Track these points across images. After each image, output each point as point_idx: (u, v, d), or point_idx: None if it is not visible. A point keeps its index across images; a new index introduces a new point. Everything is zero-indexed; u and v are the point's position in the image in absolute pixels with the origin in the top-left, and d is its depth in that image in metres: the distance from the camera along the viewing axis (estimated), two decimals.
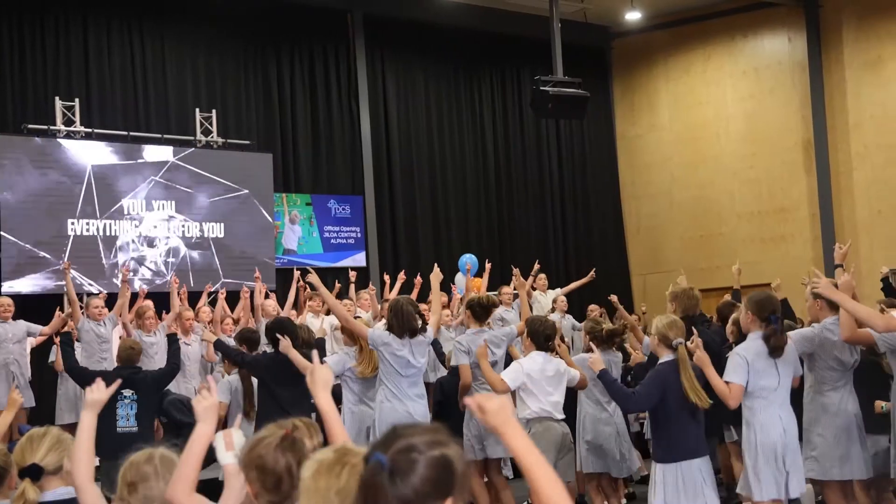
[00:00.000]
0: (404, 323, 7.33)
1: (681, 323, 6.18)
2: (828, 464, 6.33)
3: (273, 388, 7.81)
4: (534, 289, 14.19)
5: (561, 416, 7.17)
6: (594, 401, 7.84)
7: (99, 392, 3.45)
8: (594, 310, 14.23)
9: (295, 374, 7.54)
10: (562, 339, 8.31)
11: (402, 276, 12.47)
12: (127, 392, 8.31)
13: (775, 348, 5.90)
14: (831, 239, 17.55)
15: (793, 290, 6.81)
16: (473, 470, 7.89)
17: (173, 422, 8.79)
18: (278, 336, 7.64)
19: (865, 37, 17.35)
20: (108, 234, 13.86)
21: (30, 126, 13.51)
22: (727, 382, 5.90)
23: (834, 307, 6.39)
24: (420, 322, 7.44)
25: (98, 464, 9.46)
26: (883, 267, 10.17)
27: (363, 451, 2.43)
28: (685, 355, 5.93)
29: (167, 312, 10.86)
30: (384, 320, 8.11)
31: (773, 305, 6.01)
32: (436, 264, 8.38)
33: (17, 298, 11.65)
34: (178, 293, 10.80)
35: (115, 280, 13.17)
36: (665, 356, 6.07)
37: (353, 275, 12.86)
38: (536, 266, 13.81)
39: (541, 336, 7.22)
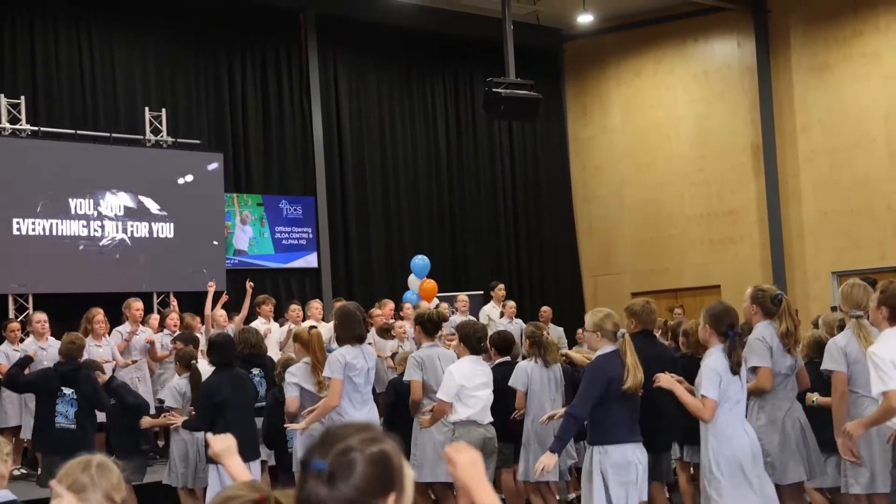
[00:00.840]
0: (353, 329, 7.26)
1: (616, 315, 6.27)
2: (781, 468, 6.37)
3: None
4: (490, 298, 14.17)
5: (487, 420, 7.19)
6: (536, 409, 7.85)
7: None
8: (546, 311, 14.33)
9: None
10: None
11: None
12: (67, 390, 8.22)
13: (735, 364, 5.89)
14: (779, 241, 17.82)
15: (741, 291, 6.87)
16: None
17: (123, 405, 8.65)
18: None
19: (812, 42, 17.59)
20: (54, 233, 13.65)
21: None
22: (702, 397, 5.89)
23: (770, 314, 6.46)
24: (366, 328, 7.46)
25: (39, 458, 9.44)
26: None
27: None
28: (630, 341, 6.08)
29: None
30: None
31: (730, 318, 5.97)
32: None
33: None
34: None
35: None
36: (604, 348, 6.15)
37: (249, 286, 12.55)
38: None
39: (473, 339, 7.25)
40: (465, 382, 7.06)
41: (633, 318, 7.01)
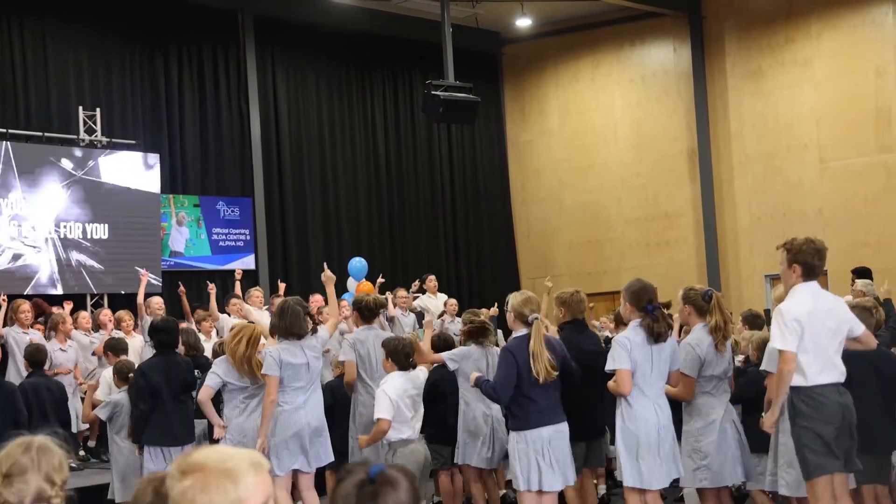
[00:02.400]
0: (291, 324, 7.23)
1: (536, 299, 6.37)
2: (718, 470, 6.43)
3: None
4: (423, 291, 14.23)
5: (417, 433, 7.21)
6: (476, 395, 7.87)
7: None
8: (484, 313, 14.32)
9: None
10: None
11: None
12: None
13: (657, 334, 6.00)
14: (714, 245, 18.08)
15: (676, 294, 6.97)
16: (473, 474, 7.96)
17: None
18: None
19: (747, 48, 17.87)
20: None
21: None
22: (613, 371, 5.99)
23: (702, 312, 6.55)
24: (311, 324, 7.38)
25: None
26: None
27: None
28: (540, 328, 6.16)
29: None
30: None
31: (648, 294, 6.12)
32: (325, 264, 8.31)
33: None
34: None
35: None
36: (519, 331, 6.23)
37: (238, 272, 12.68)
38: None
39: (401, 355, 7.23)
40: (399, 400, 7.02)
41: (563, 307, 7.11)
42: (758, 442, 6.63)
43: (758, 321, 7.86)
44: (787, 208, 17.32)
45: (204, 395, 7.43)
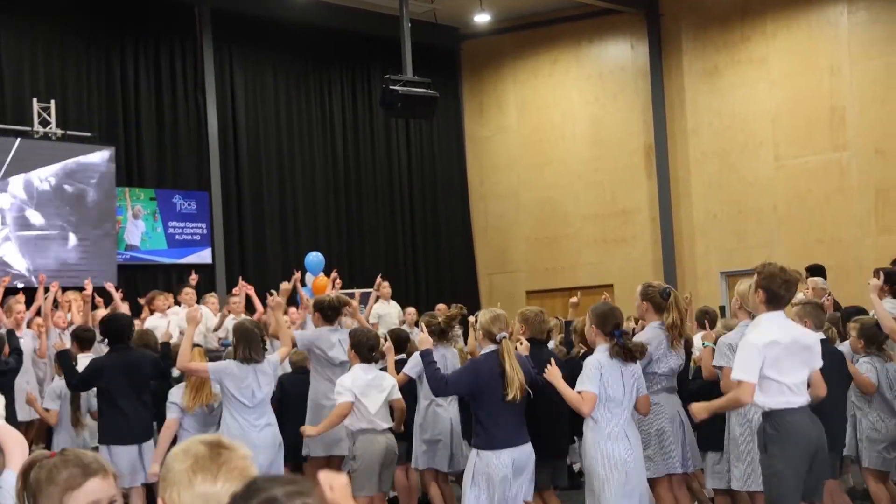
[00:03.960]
0: (249, 350, 7.15)
1: (505, 317, 6.30)
2: (657, 460, 6.49)
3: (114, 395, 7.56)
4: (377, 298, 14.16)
5: (386, 426, 7.16)
6: (425, 398, 7.87)
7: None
8: (441, 309, 14.33)
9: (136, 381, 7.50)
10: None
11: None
12: None
13: (633, 354, 5.94)
14: (670, 241, 18.21)
15: (634, 290, 6.99)
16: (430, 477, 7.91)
17: None
18: None
19: (703, 46, 18.02)
20: None
21: None
22: (580, 392, 5.90)
23: (660, 309, 6.59)
24: (262, 345, 7.34)
25: None
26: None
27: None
28: (510, 347, 6.06)
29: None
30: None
31: (615, 318, 6.03)
32: (272, 291, 8.16)
33: None
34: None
35: None
36: (487, 348, 6.19)
37: (193, 279, 12.51)
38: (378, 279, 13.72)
39: (364, 347, 7.19)
40: (357, 391, 6.98)
41: (524, 325, 7.04)
42: (711, 440, 6.70)
43: (706, 317, 7.85)
44: (742, 205, 17.49)
45: (169, 431, 7.36)
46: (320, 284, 14.15)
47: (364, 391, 7.00)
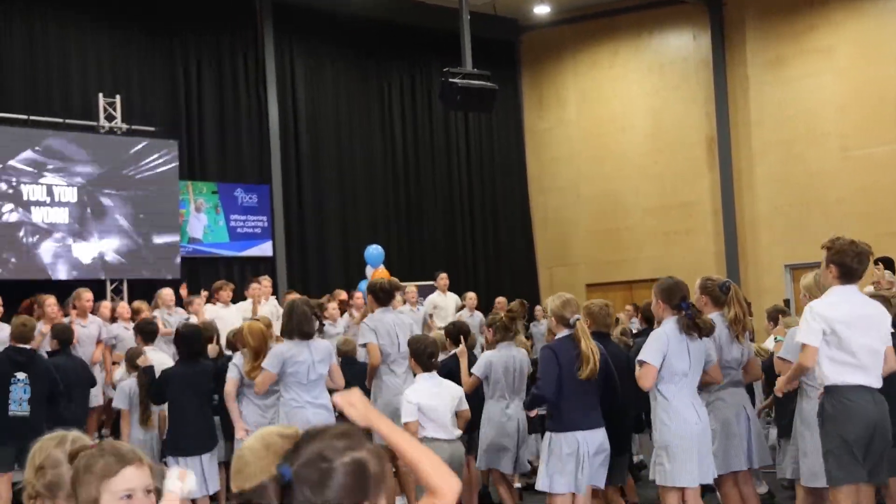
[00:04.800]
0: (299, 324, 7.24)
1: (575, 301, 6.31)
2: (723, 457, 6.39)
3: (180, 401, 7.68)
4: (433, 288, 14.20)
5: (455, 435, 7.12)
6: (496, 399, 7.82)
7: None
8: (501, 302, 14.33)
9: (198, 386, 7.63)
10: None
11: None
12: (20, 375, 8.03)
13: (702, 330, 5.89)
14: (733, 234, 17.99)
15: (695, 283, 6.89)
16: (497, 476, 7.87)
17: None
18: None
19: (767, 36, 17.75)
20: (6, 220, 13.43)
21: None
22: (641, 362, 5.89)
23: (719, 303, 6.48)
24: (317, 323, 7.39)
25: None
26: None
27: None
28: (584, 328, 6.11)
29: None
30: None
31: (681, 291, 6.00)
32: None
33: None
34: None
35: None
36: (561, 333, 6.19)
37: (254, 288, 12.50)
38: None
39: (424, 355, 7.15)
40: (422, 402, 6.95)
41: (589, 319, 6.97)
42: (788, 430, 6.61)
43: (783, 316, 7.73)
44: (807, 197, 17.21)
45: (230, 386, 7.49)
46: (380, 276, 14.18)
47: (429, 402, 6.95)
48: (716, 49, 18.17)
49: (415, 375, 7.23)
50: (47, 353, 9.32)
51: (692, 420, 5.87)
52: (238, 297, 12.79)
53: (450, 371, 8.09)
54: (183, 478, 2.77)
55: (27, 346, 8.21)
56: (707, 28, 18.36)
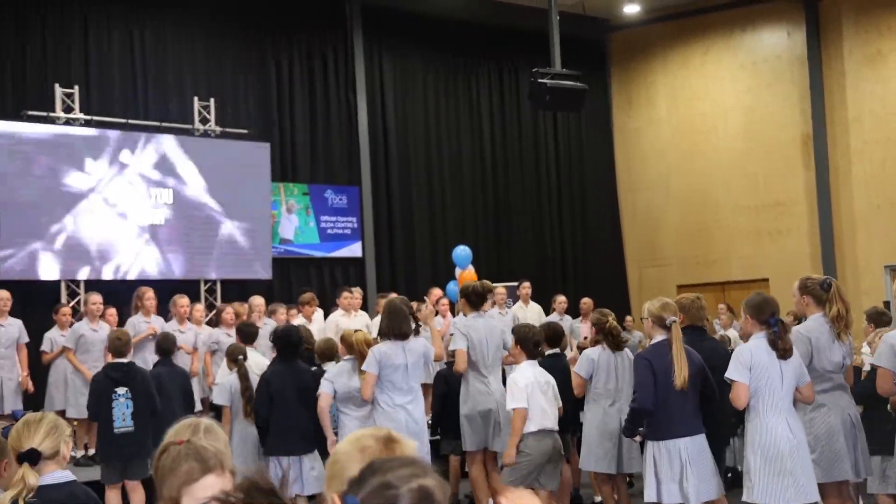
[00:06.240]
0: (397, 325, 7.30)
1: (674, 305, 6.24)
2: (826, 465, 6.18)
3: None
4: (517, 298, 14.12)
5: (554, 427, 7.10)
6: (596, 400, 7.76)
7: None
8: (587, 303, 14.25)
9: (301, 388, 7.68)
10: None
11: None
12: (120, 390, 8.09)
13: (783, 351, 5.76)
14: (829, 233, 17.59)
15: (791, 284, 6.72)
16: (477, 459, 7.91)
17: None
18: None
19: (865, 31, 17.33)
20: (106, 220, 13.78)
21: (30, 112, 13.42)
22: (730, 381, 5.79)
23: (821, 302, 6.33)
24: (414, 325, 7.43)
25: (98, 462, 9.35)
26: None
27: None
28: (678, 333, 6.01)
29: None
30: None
31: (770, 307, 5.89)
32: (427, 300, 8.27)
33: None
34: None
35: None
36: (658, 337, 6.12)
37: (346, 298, 12.54)
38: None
39: (530, 342, 7.14)
40: (529, 389, 6.95)
41: (682, 313, 6.85)
42: (880, 444, 6.40)
43: (883, 318, 7.52)
44: None
45: (324, 402, 7.55)
46: (468, 278, 14.20)
47: (532, 393, 6.97)
48: (811, 45, 17.80)
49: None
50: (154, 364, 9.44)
51: (784, 436, 5.71)
52: (325, 299, 12.90)
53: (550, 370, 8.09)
54: None
55: (124, 360, 8.25)
56: (802, 24, 18.00)
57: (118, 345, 8.28)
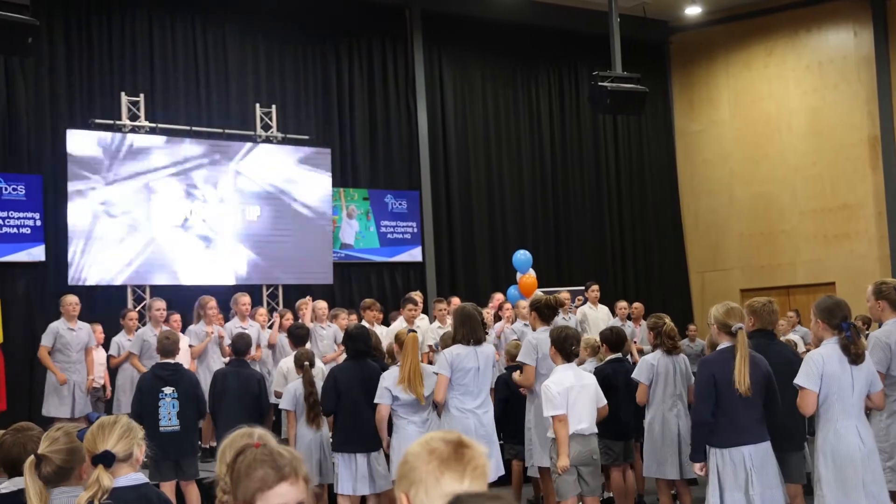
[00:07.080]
0: (472, 331, 7.32)
1: (740, 310, 6.12)
2: None
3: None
4: (584, 300, 14.04)
5: (593, 430, 7.03)
6: (657, 405, 7.68)
7: None
8: (638, 308, 14.17)
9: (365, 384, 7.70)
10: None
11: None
12: (167, 389, 8.18)
13: (855, 356, 5.63)
14: None
15: (858, 288, 6.59)
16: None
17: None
18: None
19: None
20: (169, 226, 13.96)
21: (97, 121, 13.66)
22: (799, 387, 5.67)
23: None
24: (484, 329, 7.48)
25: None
26: None
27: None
28: (744, 339, 5.89)
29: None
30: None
31: (842, 311, 5.74)
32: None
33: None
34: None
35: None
36: (723, 343, 6.04)
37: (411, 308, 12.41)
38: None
39: (566, 345, 7.06)
40: (564, 394, 6.89)
41: (753, 317, 6.72)
42: None
43: None
44: None
45: (384, 412, 7.52)
46: (528, 283, 14.17)
47: (568, 396, 6.90)
48: (879, 45, 17.49)
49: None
50: (225, 363, 9.51)
51: (855, 445, 5.58)
52: (386, 304, 12.93)
53: (605, 377, 8.02)
54: None
55: (171, 361, 8.33)
56: (869, 24, 17.69)
57: (166, 344, 8.38)
